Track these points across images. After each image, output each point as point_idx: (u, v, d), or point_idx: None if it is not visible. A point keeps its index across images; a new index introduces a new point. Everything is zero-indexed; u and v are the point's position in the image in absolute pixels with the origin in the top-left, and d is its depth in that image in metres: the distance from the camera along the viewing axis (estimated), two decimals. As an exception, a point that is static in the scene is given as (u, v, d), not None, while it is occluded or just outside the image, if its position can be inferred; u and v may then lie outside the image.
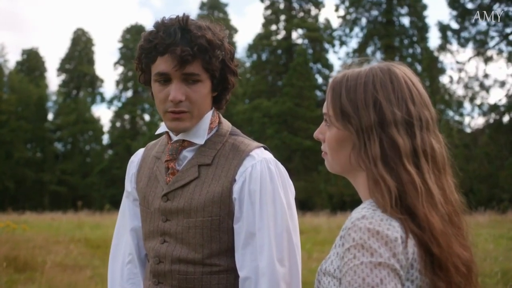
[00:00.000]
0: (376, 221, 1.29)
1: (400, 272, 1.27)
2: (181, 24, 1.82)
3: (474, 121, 31.42)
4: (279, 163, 1.90)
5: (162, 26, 1.83)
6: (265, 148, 1.96)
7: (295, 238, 1.85)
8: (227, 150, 1.91)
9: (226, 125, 2.00)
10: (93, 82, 54.96)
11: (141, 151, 2.18)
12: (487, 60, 28.04)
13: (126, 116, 51.13)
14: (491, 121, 28.29)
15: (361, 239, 1.27)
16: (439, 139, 1.47)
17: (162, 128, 2.02)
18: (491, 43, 27.89)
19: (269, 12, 43.82)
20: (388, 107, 1.41)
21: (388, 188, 1.35)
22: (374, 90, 1.43)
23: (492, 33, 27.63)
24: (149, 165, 2.06)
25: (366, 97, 1.43)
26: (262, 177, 1.82)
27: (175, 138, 1.95)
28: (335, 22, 46.67)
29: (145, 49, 1.83)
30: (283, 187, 1.86)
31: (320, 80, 42.70)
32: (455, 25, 28.67)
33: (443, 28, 28.87)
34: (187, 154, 1.94)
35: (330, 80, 1.55)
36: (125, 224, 2.15)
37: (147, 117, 50.30)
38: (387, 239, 1.27)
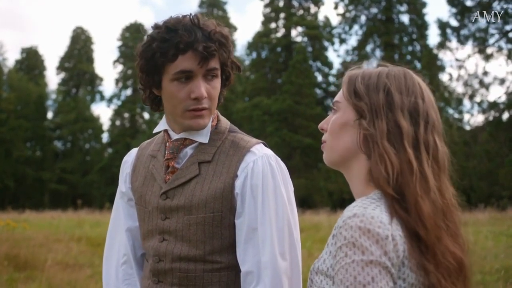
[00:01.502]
0: (367, 219, 1.30)
1: (392, 269, 1.28)
2: (194, 22, 1.83)
3: (474, 118, 31.48)
4: (279, 159, 1.92)
5: (178, 25, 1.82)
6: (264, 145, 1.97)
7: (296, 233, 1.87)
8: (227, 147, 1.92)
9: (225, 122, 2.02)
10: (93, 80, 54.95)
11: (134, 151, 2.19)
12: (487, 57, 28.02)
13: (126, 114, 51.11)
14: (491, 118, 28.28)
15: (352, 237, 1.29)
16: (443, 143, 1.50)
17: (160, 126, 2.02)
18: (491, 41, 27.88)
19: (268, 10, 43.78)
20: (397, 93, 1.45)
21: (392, 164, 1.38)
22: (387, 79, 1.48)
23: (492, 30, 27.62)
24: (144, 164, 2.06)
25: (378, 82, 1.48)
26: (264, 172, 1.84)
27: (175, 136, 1.96)
28: (335, 20, 46.66)
29: (162, 48, 1.80)
30: (284, 182, 1.88)
31: (319, 78, 42.71)
32: (454, 23, 28.66)
33: (443, 26, 28.84)
34: (187, 152, 1.95)
35: (346, 73, 1.60)
36: (119, 225, 2.14)
37: (146, 115, 50.25)
38: (378, 237, 1.28)
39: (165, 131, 2.00)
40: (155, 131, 2.06)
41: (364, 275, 1.24)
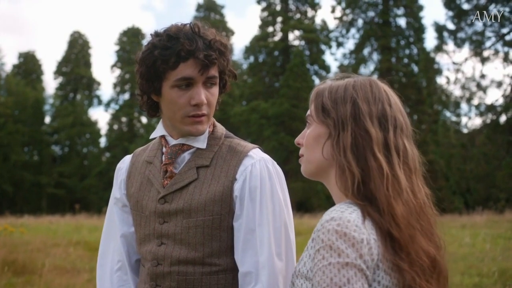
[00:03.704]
0: (344, 223, 1.34)
1: (367, 272, 1.32)
2: (195, 31, 1.88)
3: (471, 121, 31.58)
4: (275, 163, 1.98)
5: (179, 33, 1.87)
6: (260, 149, 2.02)
7: (291, 234, 1.93)
8: (224, 151, 1.97)
9: (221, 128, 2.07)
10: (90, 84, 54.92)
11: (128, 158, 2.22)
12: (484, 60, 28.06)
13: (124, 119, 51.09)
14: (488, 121, 28.31)
15: (329, 240, 1.33)
16: (412, 146, 1.55)
17: (157, 132, 2.06)
18: (487, 44, 27.93)
19: (265, 13, 43.83)
20: (364, 103, 1.50)
21: (352, 174, 1.44)
22: (353, 90, 1.53)
23: (488, 33, 27.65)
24: (140, 170, 2.09)
25: (345, 95, 1.53)
26: (262, 175, 1.90)
27: (173, 142, 2.00)
28: (332, 23, 46.74)
29: (164, 55, 1.84)
30: (280, 185, 1.93)
31: (317, 81, 42.68)
32: (451, 26, 28.71)
33: (440, 29, 28.90)
34: (185, 157, 1.99)
35: (314, 89, 1.65)
36: (113, 231, 2.16)
37: (144, 120, 50.26)
38: (354, 240, 1.32)
39: (162, 136, 2.04)
40: (152, 136, 2.10)
41: (340, 277, 1.29)
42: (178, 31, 1.87)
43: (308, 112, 1.62)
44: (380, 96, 1.53)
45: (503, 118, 28.39)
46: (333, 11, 40.50)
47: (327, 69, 42.74)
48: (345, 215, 1.36)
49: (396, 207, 1.40)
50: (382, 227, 1.38)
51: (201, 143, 1.97)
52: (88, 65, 55.10)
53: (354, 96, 1.51)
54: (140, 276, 2.07)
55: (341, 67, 39.07)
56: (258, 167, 1.90)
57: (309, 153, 1.59)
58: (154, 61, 1.86)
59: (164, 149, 2.02)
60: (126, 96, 51.35)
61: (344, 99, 1.52)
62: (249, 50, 43.73)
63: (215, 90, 1.94)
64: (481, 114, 28.86)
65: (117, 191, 2.16)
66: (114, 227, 2.16)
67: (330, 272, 1.29)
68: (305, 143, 1.61)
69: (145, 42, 1.96)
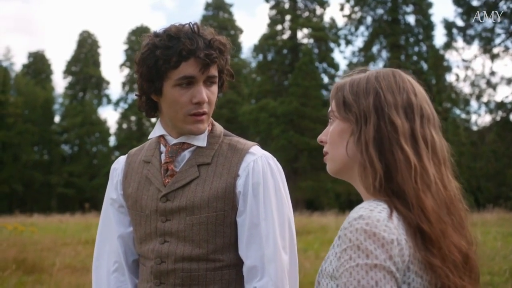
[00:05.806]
0: (373, 222, 1.28)
1: (396, 274, 1.26)
2: (194, 30, 1.90)
3: (481, 119, 31.26)
4: (275, 159, 2.02)
5: (180, 33, 1.88)
6: (259, 147, 2.06)
7: (294, 228, 1.99)
8: (225, 149, 2.00)
9: (219, 127, 2.10)
10: (99, 84, 55.17)
11: (122, 159, 2.23)
12: (494, 57, 27.87)
13: (133, 118, 51.27)
14: (498, 118, 28.12)
15: (357, 240, 1.27)
16: (440, 136, 1.48)
17: (156, 132, 2.07)
18: (497, 40, 27.75)
19: (274, 12, 43.80)
20: (389, 93, 1.44)
21: (374, 170, 1.38)
22: (376, 82, 1.47)
23: (498, 30, 27.48)
24: (137, 170, 2.10)
25: (368, 86, 1.47)
26: (264, 171, 1.94)
27: (173, 141, 2.01)
28: (341, 21, 46.65)
29: (165, 55, 1.86)
30: (282, 181, 1.98)
31: (326, 79, 42.68)
32: (460, 23, 28.55)
33: (449, 26, 28.74)
34: (185, 155, 2.01)
35: (334, 84, 1.60)
36: (110, 232, 2.16)
37: (153, 119, 50.28)
38: (383, 241, 1.26)
39: (161, 136, 2.06)
40: (150, 136, 2.11)
41: (368, 279, 1.23)
42: (178, 31, 1.89)
43: (330, 109, 1.57)
44: (404, 85, 1.46)
45: (513, 116, 28.24)
46: (341, 9, 40.46)
47: (336, 67, 42.69)
48: (374, 214, 1.30)
49: (425, 201, 1.34)
50: (411, 222, 1.32)
51: (201, 141, 1.99)
52: (97, 64, 55.35)
53: (376, 87, 1.45)
54: (140, 276, 2.07)
55: (350, 65, 39.00)
56: (260, 163, 1.94)
57: (333, 150, 1.53)
58: (155, 61, 1.88)
59: (163, 148, 2.04)
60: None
61: (366, 91, 1.46)
62: (258, 48, 43.71)
63: (215, 88, 1.97)
64: (490, 111, 28.67)
65: (113, 192, 2.16)
66: (110, 229, 2.16)
67: (358, 274, 1.23)
68: (329, 141, 1.55)
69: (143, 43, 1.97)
